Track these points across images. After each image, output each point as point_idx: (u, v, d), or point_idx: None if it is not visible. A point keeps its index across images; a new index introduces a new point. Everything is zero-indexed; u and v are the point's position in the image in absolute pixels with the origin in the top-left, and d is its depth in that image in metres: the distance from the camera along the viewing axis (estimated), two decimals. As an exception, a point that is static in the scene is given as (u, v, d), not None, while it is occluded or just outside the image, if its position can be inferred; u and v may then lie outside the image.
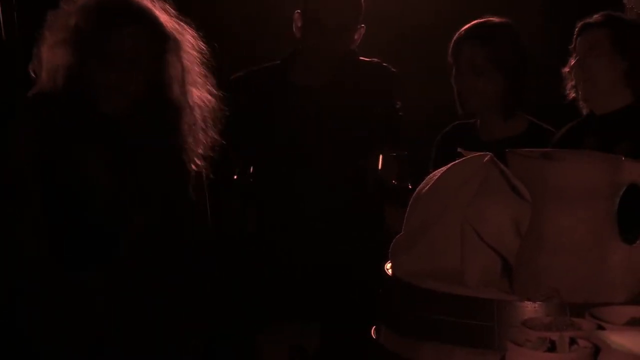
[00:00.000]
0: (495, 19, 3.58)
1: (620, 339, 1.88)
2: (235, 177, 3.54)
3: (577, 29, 3.44)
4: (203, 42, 3.13)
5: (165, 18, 3.06)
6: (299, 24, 3.81)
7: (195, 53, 3.11)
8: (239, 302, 3.78)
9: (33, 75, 3.03)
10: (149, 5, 3.04)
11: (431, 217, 2.38)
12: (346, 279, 3.74)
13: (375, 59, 3.92)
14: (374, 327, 2.44)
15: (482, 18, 3.59)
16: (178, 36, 3.07)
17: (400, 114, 3.88)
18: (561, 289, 2.12)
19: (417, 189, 2.47)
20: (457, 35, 3.58)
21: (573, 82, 3.45)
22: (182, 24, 3.10)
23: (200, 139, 3.13)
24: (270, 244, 3.81)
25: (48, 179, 2.94)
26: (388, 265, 2.43)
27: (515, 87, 3.53)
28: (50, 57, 2.99)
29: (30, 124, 2.99)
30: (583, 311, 2.01)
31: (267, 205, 3.76)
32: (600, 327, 1.95)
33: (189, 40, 3.10)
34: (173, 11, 3.09)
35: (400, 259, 2.40)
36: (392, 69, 3.92)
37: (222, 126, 3.16)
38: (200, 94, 3.13)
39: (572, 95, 3.47)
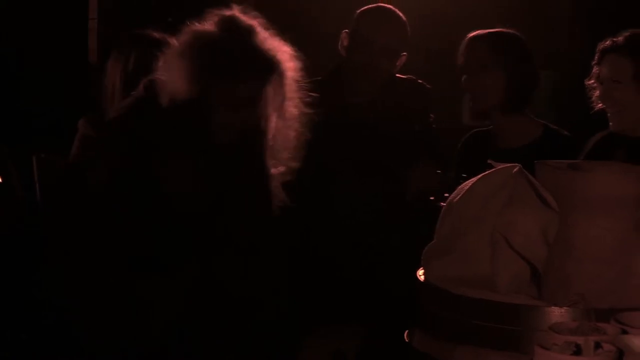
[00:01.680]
0: (498, 29, 3.62)
1: (644, 344, 1.87)
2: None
3: (600, 49, 3.41)
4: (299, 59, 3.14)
5: (273, 44, 3.07)
6: (346, 43, 3.84)
7: (293, 75, 3.12)
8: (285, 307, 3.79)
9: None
10: (269, 48, 3.05)
11: (462, 226, 2.37)
12: (383, 284, 3.74)
13: (411, 76, 3.94)
14: (407, 330, 2.43)
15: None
16: (283, 64, 3.08)
17: (434, 126, 3.90)
18: (587, 295, 2.11)
19: (449, 198, 2.47)
20: (463, 41, 3.62)
21: (597, 94, 3.43)
22: (280, 43, 3.11)
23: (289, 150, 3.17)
24: (312, 252, 3.81)
25: (135, 186, 2.96)
26: (420, 272, 2.43)
27: (515, 86, 3.51)
28: (165, 77, 3.00)
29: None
30: (608, 316, 2.00)
31: (309, 215, 3.77)
32: (625, 332, 1.93)
33: (290, 64, 3.10)
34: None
35: (432, 265, 2.40)
36: (427, 85, 3.95)
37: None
38: (291, 110, 3.15)
39: (599, 105, 3.44)
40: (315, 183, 3.71)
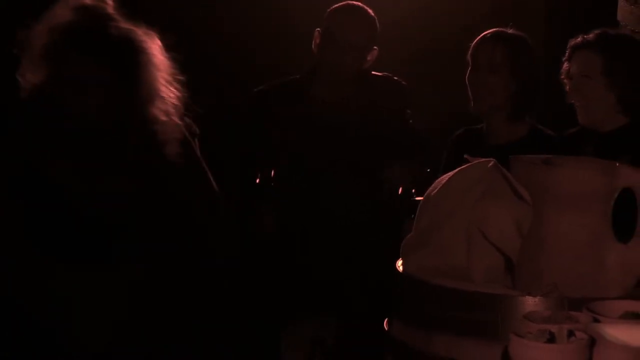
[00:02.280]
0: (511, 30, 3.59)
1: (614, 332, 1.90)
2: (257, 180, 3.57)
3: (571, 45, 3.43)
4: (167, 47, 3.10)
5: (137, 31, 2.99)
6: (318, 41, 3.85)
7: (163, 57, 3.06)
8: (260, 299, 3.79)
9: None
10: (119, 29, 2.96)
11: (439, 219, 2.40)
12: (361, 277, 3.76)
13: (386, 73, 3.95)
14: (386, 319, 2.46)
15: (497, 28, 3.61)
16: (147, 45, 2.98)
17: (410, 121, 3.91)
18: (560, 284, 2.13)
19: (427, 191, 2.50)
20: (480, 36, 3.58)
21: (567, 89, 3.45)
22: (150, 33, 3.06)
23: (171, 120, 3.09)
24: (289, 245, 3.83)
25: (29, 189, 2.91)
26: (399, 263, 2.45)
27: (523, 94, 3.52)
28: (27, 73, 2.93)
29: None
30: (580, 305, 2.04)
31: (286, 209, 3.78)
32: (596, 320, 1.97)
33: (157, 48, 3.01)
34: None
35: (410, 257, 2.42)
36: (402, 82, 3.95)
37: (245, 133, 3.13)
38: (166, 91, 3.07)
39: (571, 100, 3.47)
40: (292, 178, 3.72)
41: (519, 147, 3.23)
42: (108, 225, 2.93)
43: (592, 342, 1.91)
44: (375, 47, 3.84)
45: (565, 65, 3.46)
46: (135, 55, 2.98)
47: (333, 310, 3.77)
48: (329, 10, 3.88)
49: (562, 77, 3.47)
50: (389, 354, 2.42)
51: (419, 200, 2.54)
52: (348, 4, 3.87)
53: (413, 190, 3.33)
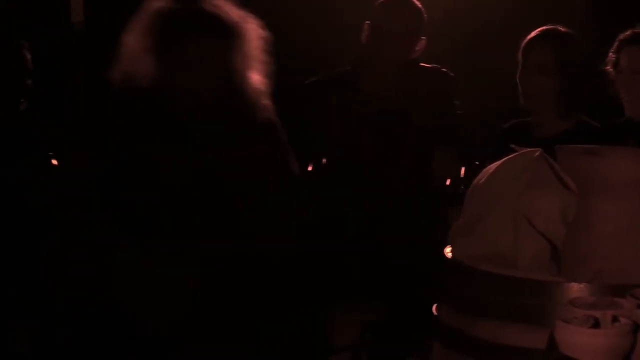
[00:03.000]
0: (561, 28, 3.58)
1: (658, 317, 1.91)
2: (309, 168, 3.60)
3: (620, 39, 3.41)
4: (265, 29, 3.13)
5: (233, 12, 3.03)
6: (367, 32, 3.87)
7: (259, 41, 3.08)
8: (313, 284, 3.82)
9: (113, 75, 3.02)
10: (224, 13, 3.03)
11: (487, 206, 2.41)
12: (408, 263, 3.78)
13: (434, 65, 3.97)
14: (435, 305, 2.48)
15: (549, 25, 3.59)
16: (243, 27, 3.04)
17: (458, 112, 3.93)
18: (604, 271, 2.16)
19: (474, 180, 2.52)
20: (530, 36, 3.57)
21: (611, 78, 3.44)
22: (246, 14, 3.08)
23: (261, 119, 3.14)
24: (338, 232, 3.85)
25: (118, 176, 2.96)
26: (448, 249, 2.47)
27: (575, 90, 3.51)
28: (129, 61, 2.99)
29: (101, 123, 3.03)
30: (624, 292, 2.05)
31: (335, 197, 3.81)
32: (640, 307, 1.99)
33: (253, 30, 3.07)
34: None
35: (459, 243, 2.44)
36: (450, 73, 3.96)
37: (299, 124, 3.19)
38: (259, 78, 3.11)
39: (616, 91, 3.46)
40: (342, 167, 3.75)
41: (566, 138, 3.23)
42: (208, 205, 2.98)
43: (636, 327, 1.93)
44: (423, 38, 3.86)
45: (612, 56, 3.45)
46: (241, 36, 3.02)
47: (382, 295, 3.80)
48: (376, 3, 3.91)
49: (608, 67, 3.46)
50: (437, 338, 2.44)
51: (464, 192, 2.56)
52: None
53: (460, 180, 3.35)
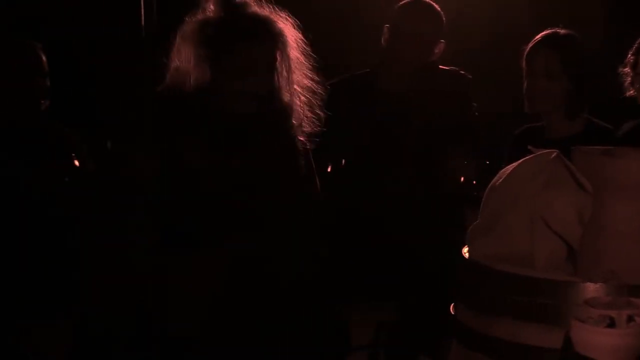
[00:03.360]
0: (562, 31, 3.57)
1: (673, 317, 1.91)
2: (329, 169, 3.62)
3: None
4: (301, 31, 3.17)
5: (273, 15, 3.11)
6: (387, 36, 3.89)
7: (297, 44, 3.15)
8: (331, 283, 3.83)
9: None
10: (267, 14, 3.11)
11: (504, 207, 2.42)
12: (424, 263, 3.79)
13: (453, 67, 3.98)
14: (452, 304, 2.49)
15: (549, 29, 3.58)
16: (285, 32, 3.11)
17: (476, 113, 3.94)
18: (620, 271, 2.15)
19: (492, 181, 2.52)
20: (532, 42, 3.57)
21: (630, 80, 3.43)
22: (284, 16, 3.14)
23: (305, 120, 3.19)
24: (355, 232, 3.86)
25: (168, 176, 3.00)
26: (465, 249, 2.48)
27: (580, 91, 3.51)
28: (182, 63, 3.05)
29: (155, 123, 3.06)
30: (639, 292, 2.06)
31: (353, 198, 3.82)
32: (655, 306, 1.99)
33: (292, 34, 3.14)
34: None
35: (476, 243, 2.44)
36: (468, 75, 3.98)
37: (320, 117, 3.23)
38: (300, 79, 3.17)
39: (631, 92, 3.45)
40: (361, 167, 3.77)
41: (576, 140, 3.24)
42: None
43: (651, 327, 1.92)
44: (442, 41, 3.87)
45: (631, 57, 3.44)
46: (285, 40, 3.09)
47: (397, 295, 3.81)
48: (396, 7, 3.94)
49: (626, 69, 3.45)
50: (454, 337, 2.45)
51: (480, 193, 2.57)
52: (415, 1, 3.91)
53: (474, 181, 3.36)
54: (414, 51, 3.82)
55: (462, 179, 3.44)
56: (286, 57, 3.13)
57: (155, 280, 2.96)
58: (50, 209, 3.74)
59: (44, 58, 3.96)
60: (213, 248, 3.00)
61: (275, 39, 3.09)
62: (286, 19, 3.13)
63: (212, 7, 3.09)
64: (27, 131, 3.89)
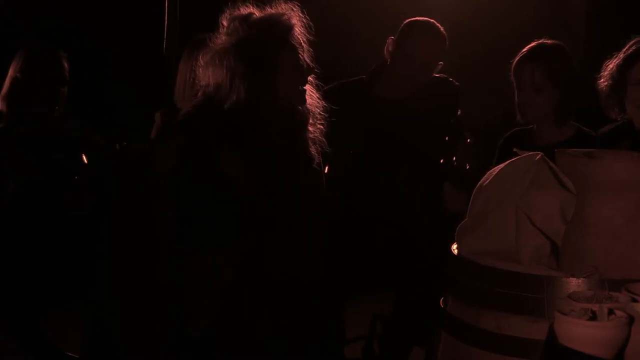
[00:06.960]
0: (548, 42, 3.53)
1: (651, 310, 1.91)
2: (327, 169, 3.60)
3: (633, 52, 3.36)
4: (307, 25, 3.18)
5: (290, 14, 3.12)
6: (390, 49, 3.84)
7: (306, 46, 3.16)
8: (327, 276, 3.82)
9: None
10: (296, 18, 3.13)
11: (491, 206, 2.41)
12: (418, 257, 3.77)
13: (443, 75, 3.95)
14: (442, 297, 2.48)
15: (536, 41, 3.55)
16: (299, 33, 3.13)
17: (461, 119, 3.91)
18: (601, 267, 2.15)
19: (479, 182, 2.51)
20: (518, 56, 3.51)
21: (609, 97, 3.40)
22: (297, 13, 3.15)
23: (313, 132, 3.20)
24: (352, 228, 3.85)
25: (191, 178, 3.00)
26: (454, 246, 2.47)
27: (567, 100, 3.48)
28: (216, 80, 3.04)
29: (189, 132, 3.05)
30: (620, 286, 2.05)
31: (352, 196, 3.80)
32: (635, 300, 1.98)
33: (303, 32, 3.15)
34: None
35: (464, 240, 2.44)
36: (456, 83, 3.95)
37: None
38: (311, 79, 3.19)
39: (615, 115, 3.42)
40: (358, 168, 3.75)
41: (566, 146, 3.22)
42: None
43: (631, 320, 1.92)
44: (440, 62, 3.84)
45: (613, 67, 3.40)
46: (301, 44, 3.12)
47: (392, 288, 3.80)
48: (405, 23, 3.85)
49: (602, 80, 3.42)
50: (444, 329, 2.44)
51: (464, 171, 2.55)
52: (424, 23, 3.82)
53: (467, 166, 3.33)
54: (414, 73, 3.77)
55: (467, 163, 3.40)
56: (303, 57, 3.13)
57: (173, 277, 2.96)
58: (60, 207, 3.72)
59: (66, 66, 3.95)
60: (228, 246, 2.99)
61: (296, 40, 3.09)
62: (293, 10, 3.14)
63: (233, 25, 3.08)
64: (37, 134, 3.88)
